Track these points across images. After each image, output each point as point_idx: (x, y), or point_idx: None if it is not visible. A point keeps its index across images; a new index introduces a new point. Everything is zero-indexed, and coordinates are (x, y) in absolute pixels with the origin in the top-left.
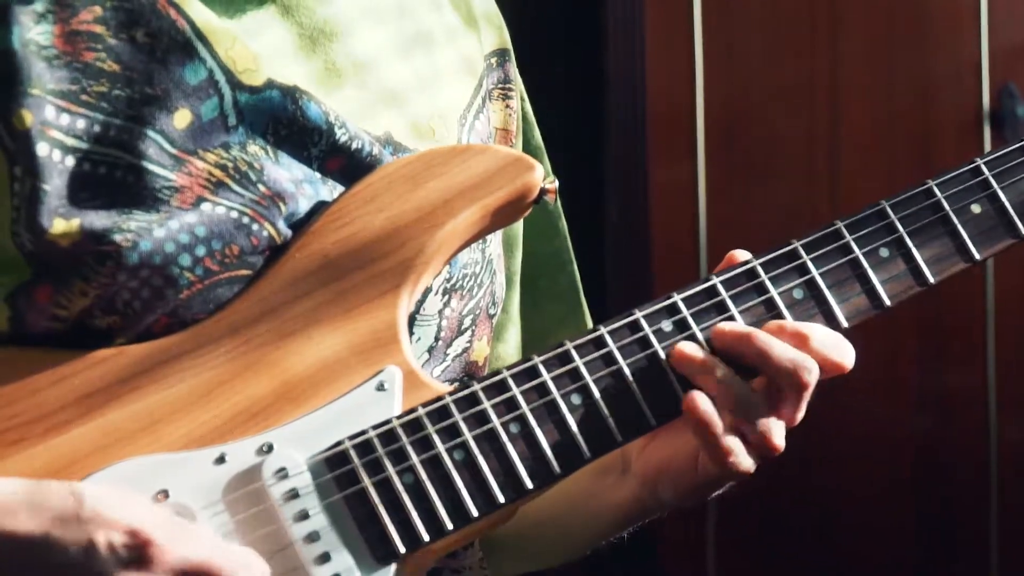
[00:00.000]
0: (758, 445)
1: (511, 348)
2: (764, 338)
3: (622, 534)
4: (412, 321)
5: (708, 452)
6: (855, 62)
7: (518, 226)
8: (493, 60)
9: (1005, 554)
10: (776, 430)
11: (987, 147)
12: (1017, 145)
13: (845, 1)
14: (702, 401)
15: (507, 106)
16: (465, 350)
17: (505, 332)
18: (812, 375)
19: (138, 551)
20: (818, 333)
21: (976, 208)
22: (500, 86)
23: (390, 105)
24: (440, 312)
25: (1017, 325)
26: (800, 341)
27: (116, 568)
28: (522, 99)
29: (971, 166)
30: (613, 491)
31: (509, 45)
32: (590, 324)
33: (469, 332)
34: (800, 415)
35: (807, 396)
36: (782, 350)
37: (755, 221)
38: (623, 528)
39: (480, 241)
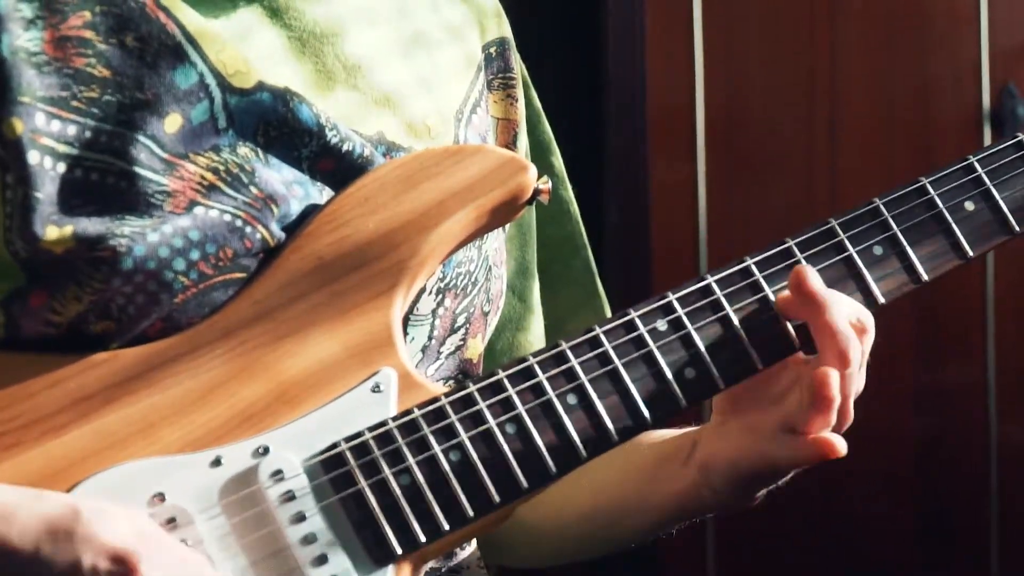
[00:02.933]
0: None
1: (535, 338)
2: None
3: (671, 530)
4: (406, 321)
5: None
6: (855, 62)
7: (531, 215)
8: (492, 50)
9: (1005, 553)
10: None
11: None
12: (1010, 142)
13: (845, 1)
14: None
15: (508, 95)
16: (459, 348)
17: (526, 322)
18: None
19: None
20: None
21: (969, 205)
22: (500, 76)
23: (384, 106)
24: (434, 311)
25: (1016, 322)
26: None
27: None
28: (527, 86)
29: (964, 163)
30: (672, 481)
31: (509, 34)
32: (607, 308)
33: (463, 330)
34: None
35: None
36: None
37: (755, 220)
38: (673, 523)
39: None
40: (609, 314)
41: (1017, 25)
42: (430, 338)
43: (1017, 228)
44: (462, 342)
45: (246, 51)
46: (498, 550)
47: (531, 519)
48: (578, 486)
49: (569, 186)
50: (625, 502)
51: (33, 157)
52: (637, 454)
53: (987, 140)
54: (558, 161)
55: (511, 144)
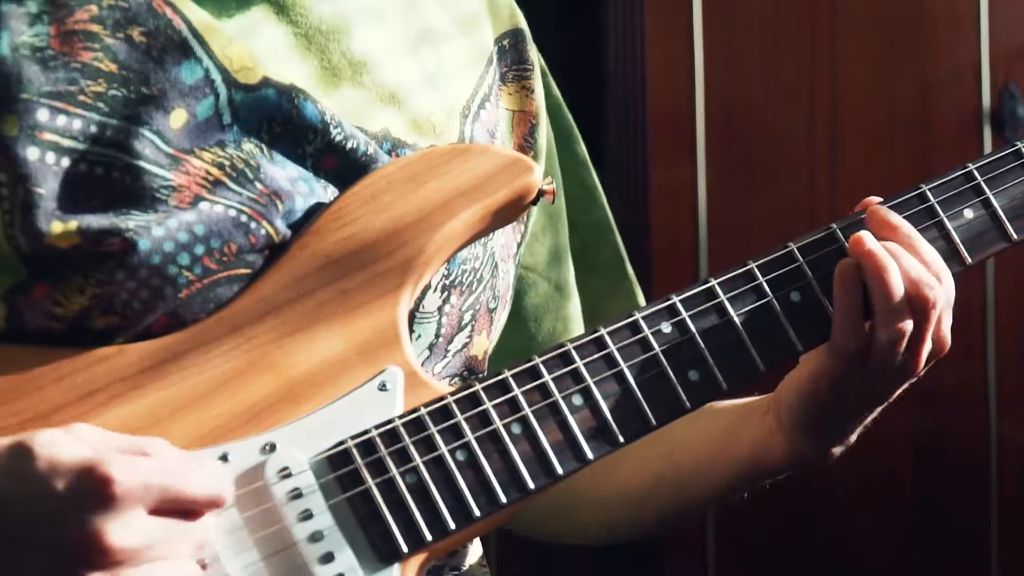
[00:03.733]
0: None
1: (574, 325)
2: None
3: (738, 496)
4: (412, 319)
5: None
6: (855, 62)
7: (561, 203)
8: (505, 42)
9: (1005, 553)
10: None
11: (987, 147)
12: (1009, 150)
13: (845, 1)
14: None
15: (524, 87)
16: (465, 345)
17: (564, 310)
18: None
19: (99, 491)
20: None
21: (969, 213)
22: (515, 68)
23: (389, 103)
24: (440, 309)
25: (1017, 322)
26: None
27: (84, 513)
28: (544, 76)
29: (963, 171)
30: (745, 435)
31: (523, 25)
32: (638, 291)
33: (469, 327)
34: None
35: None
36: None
37: (755, 221)
38: (742, 484)
39: None
40: (641, 297)
41: (1017, 25)
42: (437, 336)
43: (1015, 236)
44: (468, 339)
45: (252, 47)
46: (556, 522)
47: (594, 491)
48: (653, 453)
49: (594, 172)
50: (697, 462)
51: (32, 153)
52: (719, 416)
53: (987, 140)
54: (581, 149)
55: (528, 136)
